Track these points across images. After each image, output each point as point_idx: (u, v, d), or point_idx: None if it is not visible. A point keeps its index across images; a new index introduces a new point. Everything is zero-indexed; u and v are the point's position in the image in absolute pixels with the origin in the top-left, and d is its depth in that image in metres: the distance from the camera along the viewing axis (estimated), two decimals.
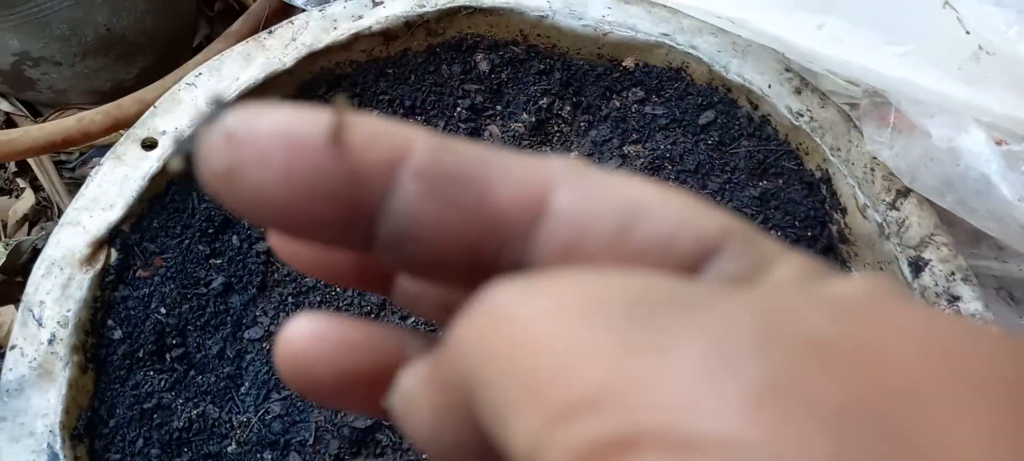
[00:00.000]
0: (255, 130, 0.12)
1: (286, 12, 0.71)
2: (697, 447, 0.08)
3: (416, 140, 0.12)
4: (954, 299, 0.47)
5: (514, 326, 0.10)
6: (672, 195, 0.12)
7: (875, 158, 0.52)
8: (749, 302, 0.10)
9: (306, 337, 0.14)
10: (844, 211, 0.52)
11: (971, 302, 0.47)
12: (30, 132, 0.51)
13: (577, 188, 0.12)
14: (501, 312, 0.11)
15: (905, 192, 0.51)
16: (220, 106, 0.12)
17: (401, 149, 0.12)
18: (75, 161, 0.64)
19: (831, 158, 0.52)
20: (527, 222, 0.12)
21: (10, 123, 0.63)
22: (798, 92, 0.54)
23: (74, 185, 0.62)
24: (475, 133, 0.57)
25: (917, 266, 0.49)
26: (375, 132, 0.12)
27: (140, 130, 0.47)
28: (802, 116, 0.53)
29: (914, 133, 0.49)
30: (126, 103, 0.57)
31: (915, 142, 0.48)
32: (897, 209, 0.51)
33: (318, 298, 0.49)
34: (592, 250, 0.12)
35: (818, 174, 0.53)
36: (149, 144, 0.47)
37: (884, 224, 0.50)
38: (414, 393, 0.13)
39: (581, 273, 0.11)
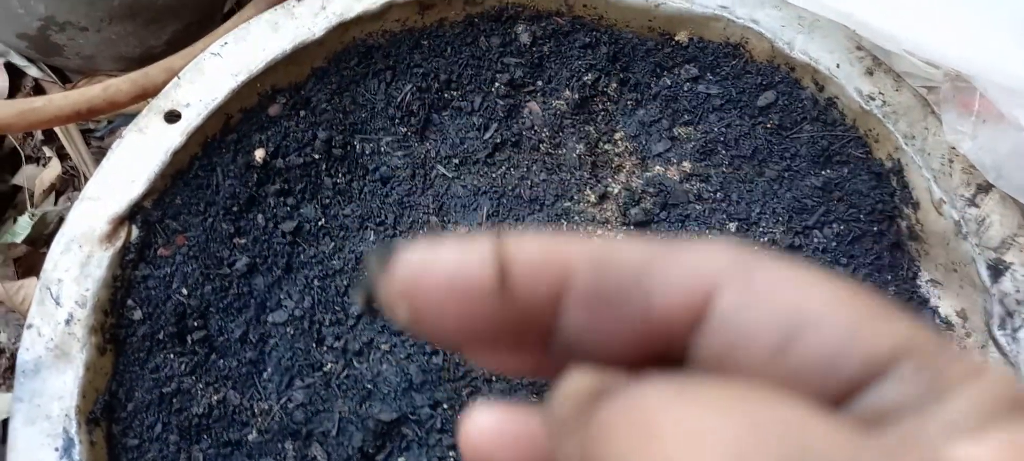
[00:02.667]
0: (428, 285, 0.13)
1: None
2: None
3: (577, 260, 0.13)
4: None
5: (661, 455, 0.10)
6: (844, 299, 0.12)
7: (954, 149, 0.47)
8: None
9: (490, 436, 0.15)
10: (916, 205, 0.48)
11: None
12: (55, 100, 0.49)
13: (741, 291, 0.12)
14: (650, 430, 0.11)
15: (986, 188, 0.46)
16: (389, 254, 0.14)
17: (563, 275, 0.13)
18: (102, 129, 0.62)
19: (904, 146, 0.47)
20: (690, 325, 0.13)
21: (39, 89, 0.62)
22: (870, 73, 0.49)
23: (101, 154, 0.61)
24: (514, 110, 0.53)
25: (997, 270, 0.44)
26: (536, 265, 0.13)
27: (163, 102, 0.45)
28: (873, 100, 0.49)
29: (1002, 125, 0.44)
30: (153, 71, 0.55)
31: (1003, 135, 0.44)
32: (977, 206, 0.46)
33: (346, 281, 0.47)
34: (749, 363, 0.12)
35: (888, 164, 0.49)
36: (172, 116, 0.45)
37: (962, 222, 0.45)
38: (563, 424, 0.13)
39: (734, 406, 0.11)
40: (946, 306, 0.48)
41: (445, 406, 0.44)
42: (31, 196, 0.59)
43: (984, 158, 0.44)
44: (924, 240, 0.48)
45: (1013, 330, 0.44)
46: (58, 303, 0.40)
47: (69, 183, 0.60)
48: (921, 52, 0.47)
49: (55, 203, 0.59)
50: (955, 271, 0.47)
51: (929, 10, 0.46)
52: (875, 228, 0.49)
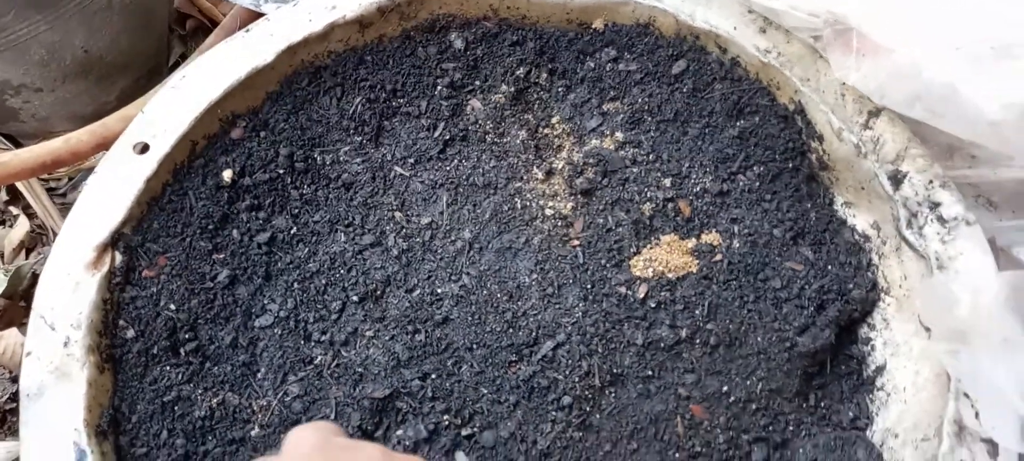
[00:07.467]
0: None
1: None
2: None
3: None
4: (935, 205, 0.49)
5: None
6: None
7: (844, 83, 0.54)
8: None
9: None
10: (821, 138, 0.54)
11: (952, 206, 0.48)
12: (19, 155, 0.52)
13: None
14: None
15: (876, 112, 0.53)
16: None
17: None
18: (65, 186, 0.64)
19: (802, 89, 0.54)
20: None
21: None
22: (763, 31, 0.56)
23: (67, 209, 0.62)
24: (457, 109, 0.58)
25: (896, 179, 0.51)
26: None
27: (132, 136, 0.48)
28: (770, 53, 0.55)
29: (879, 54, 0.51)
30: (111, 121, 0.58)
31: (881, 62, 0.51)
32: (870, 128, 0.53)
33: (324, 281, 0.50)
34: None
35: (792, 106, 0.55)
36: (142, 147, 0.48)
37: (860, 144, 0.52)
38: None
39: None
40: (862, 222, 0.54)
41: (433, 376, 0.47)
42: (1, 256, 0.60)
43: (869, 85, 0.51)
44: (832, 167, 0.55)
45: (919, 228, 0.50)
46: (53, 328, 0.42)
47: (38, 239, 0.61)
48: (802, 5, 0.54)
49: (26, 259, 0.60)
50: (863, 189, 0.53)
51: None
52: (790, 164, 0.55)
